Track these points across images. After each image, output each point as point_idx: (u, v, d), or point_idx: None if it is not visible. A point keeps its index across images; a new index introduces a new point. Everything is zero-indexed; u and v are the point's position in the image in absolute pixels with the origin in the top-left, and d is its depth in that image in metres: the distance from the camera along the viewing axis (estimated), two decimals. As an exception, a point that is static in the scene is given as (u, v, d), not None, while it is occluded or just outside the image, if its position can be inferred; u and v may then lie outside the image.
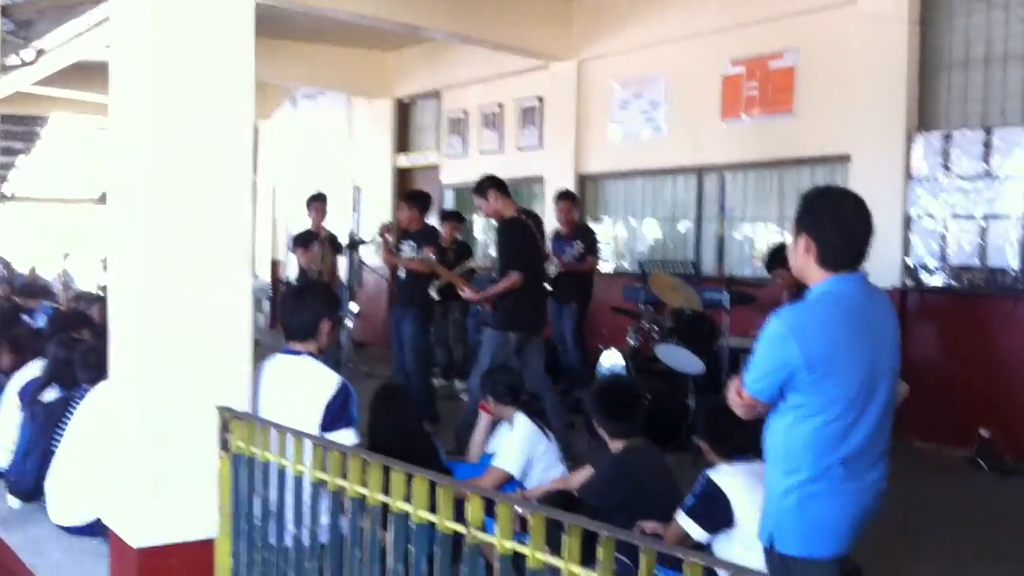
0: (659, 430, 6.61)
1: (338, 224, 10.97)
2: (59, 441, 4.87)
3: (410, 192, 9.41)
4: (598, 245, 9.49)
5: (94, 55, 7.79)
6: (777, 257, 6.38)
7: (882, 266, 7.56)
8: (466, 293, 7.50)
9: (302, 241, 9.69)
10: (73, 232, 20.73)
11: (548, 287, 8.13)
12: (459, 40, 10.98)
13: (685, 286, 7.44)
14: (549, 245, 8.89)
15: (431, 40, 12.13)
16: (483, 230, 12.62)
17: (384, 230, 8.68)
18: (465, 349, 10.40)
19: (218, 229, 3.61)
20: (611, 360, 7.65)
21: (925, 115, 7.93)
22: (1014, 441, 7.06)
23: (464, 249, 10.17)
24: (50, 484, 4.77)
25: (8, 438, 5.34)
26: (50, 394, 5.24)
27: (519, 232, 7.07)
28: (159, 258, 3.55)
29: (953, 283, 7.66)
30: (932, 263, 7.78)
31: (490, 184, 7.14)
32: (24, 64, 7.73)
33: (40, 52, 7.48)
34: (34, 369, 5.56)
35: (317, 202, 9.79)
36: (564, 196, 9.41)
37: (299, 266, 9.89)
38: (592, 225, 10.35)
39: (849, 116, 8.24)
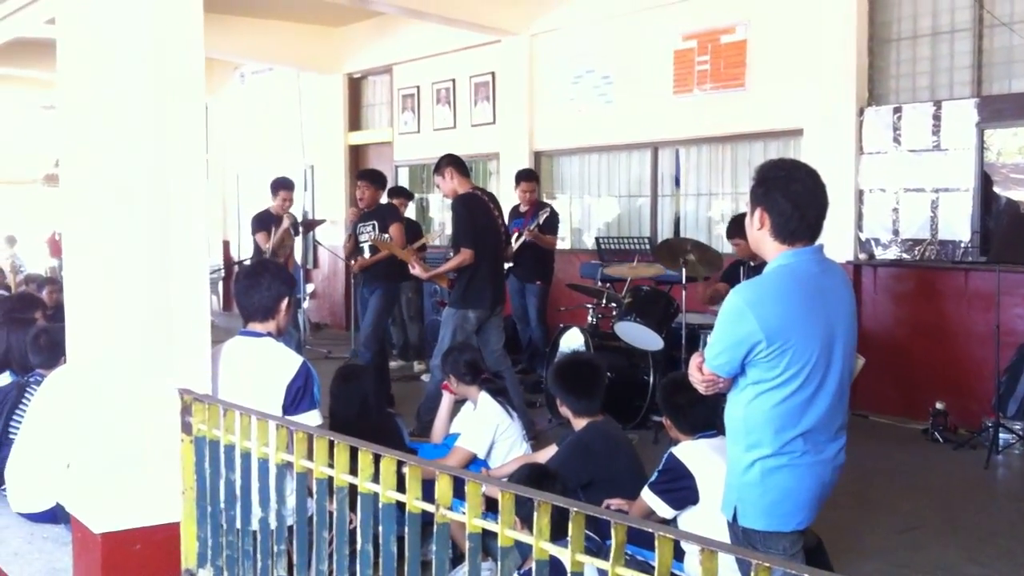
0: (620, 407, 6.65)
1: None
2: (17, 427, 4.79)
3: (372, 171, 8.93)
4: (558, 223, 9.47)
5: (33, 31, 7.61)
6: (737, 226, 6.43)
7: (836, 240, 7.68)
8: (416, 270, 7.39)
9: (264, 224, 9.11)
10: (21, 214, 20.27)
11: (509, 264, 8.09)
12: (410, 15, 10.85)
13: (643, 265, 7.56)
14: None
15: (381, 14, 12.01)
16: (439, 209, 12.56)
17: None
18: (421, 329, 10.36)
19: (172, 209, 3.56)
20: (571, 340, 7.65)
21: (875, 89, 8.03)
22: (967, 413, 7.20)
23: (413, 226, 10.10)
24: (10, 471, 4.69)
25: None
26: (3, 379, 5.15)
27: (472, 208, 6.96)
28: (114, 240, 3.50)
29: (905, 256, 7.77)
30: (885, 236, 7.88)
31: (447, 163, 7.08)
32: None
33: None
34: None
35: (284, 190, 9.18)
36: (528, 176, 9.36)
37: (255, 247, 9.47)
38: (548, 202, 10.33)
39: (800, 90, 8.31)
